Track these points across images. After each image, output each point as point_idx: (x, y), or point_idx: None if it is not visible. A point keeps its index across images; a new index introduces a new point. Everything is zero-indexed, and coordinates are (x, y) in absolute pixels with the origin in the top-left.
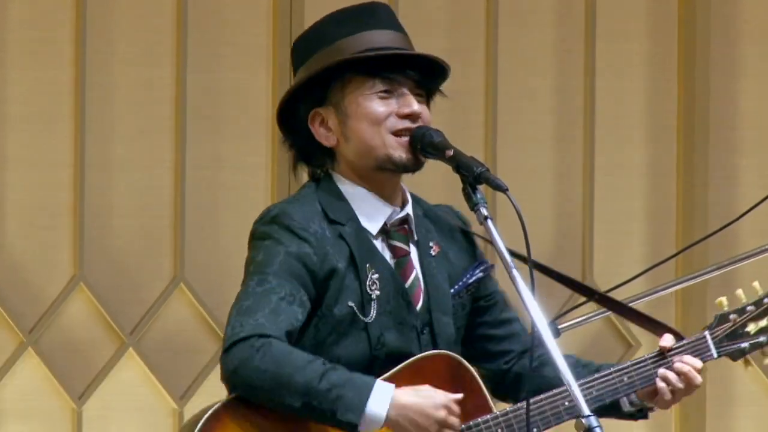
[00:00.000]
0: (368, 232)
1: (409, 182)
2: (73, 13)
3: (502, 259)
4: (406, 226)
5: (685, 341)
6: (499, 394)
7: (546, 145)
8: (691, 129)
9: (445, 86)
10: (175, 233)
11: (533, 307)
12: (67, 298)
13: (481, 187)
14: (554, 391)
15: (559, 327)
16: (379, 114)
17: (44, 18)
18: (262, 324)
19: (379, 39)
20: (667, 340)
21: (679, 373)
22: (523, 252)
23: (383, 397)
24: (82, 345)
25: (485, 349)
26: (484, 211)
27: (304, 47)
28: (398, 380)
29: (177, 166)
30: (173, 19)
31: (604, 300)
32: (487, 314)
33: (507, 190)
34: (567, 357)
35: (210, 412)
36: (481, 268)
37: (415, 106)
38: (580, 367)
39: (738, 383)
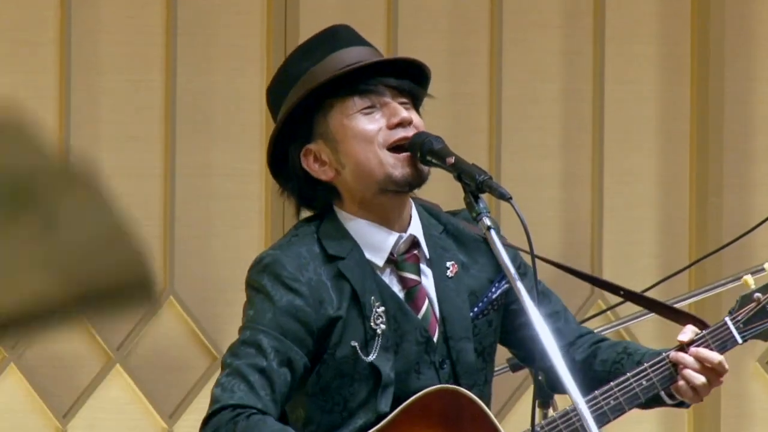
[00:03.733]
0: (374, 264)
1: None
2: (58, 13)
3: (506, 271)
4: (416, 252)
5: (704, 332)
6: (559, 391)
7: (553, 152)
8: (705, 135)
9: (447, 90)
10: (165, 244)
11: (538, 320)
12: None
13: (485, 196)
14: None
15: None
16: (368, 131)
17: (27, 19)
18: (252, 392)
19: (347, 57)
20: (687, 333)
21: (697, 370)
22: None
23: None
24: (67, 361)
25: (528, 350)
26: (487, 222)
27: (277, 89)
28: (397, 425)
29: (166, 174)
30: (162, 21)
31: (630, 296)
32: (523, 316)
33: (511, 198)
34: (615, 344)
35: None
36: (506, 279)
37: (403, 113)
38: (626, 357)
39: (755, 401)
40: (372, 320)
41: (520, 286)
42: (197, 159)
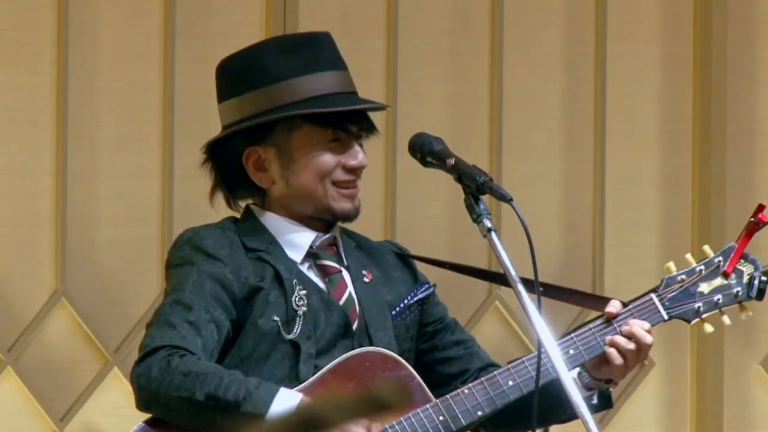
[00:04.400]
0: (292, 259)
1: (409, 194)
2: (55, 12)
3: (507, 273)
4: (334, 247)
5: (631, 306)
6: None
7: (554, 153)
8: (707, 136)
9: (447, 91)
10: (163, 246)
11: (539, 324)
12: (48, 315)
13: (485, 198)
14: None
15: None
16: (327, 165)
17: (24, 18)
18: (183, 338)
19: (328, 84)
20: (613, 306)
21: (627, 336)
22: (528, 270)
23: (287, 401)
24: (64, 364)
25: (440, 373)
26: (488, 223)
27: (240, 76)
28: (321, 387)
29: (165, 175)
30: (160, 20)
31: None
32: (436, 338)
33: (512, 200)
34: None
35: None
36: (422, 289)
37: (361, 157)
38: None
39: (758, 404)
40: (294, 301)
41: (520, 289)
42: (196, 160)
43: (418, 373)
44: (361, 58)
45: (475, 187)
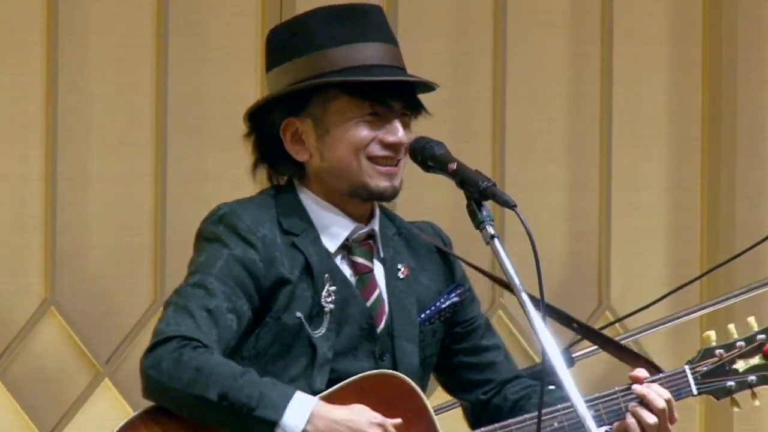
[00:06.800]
0: (326, 248)
1: (409, 199)
2: (44, 12)
3: (511, 281)
4: (371, 241)
5: (661, 374)
6: (478, 429)
7: (559, 158)
8: (717, 140)
9: (449, 93)
10: (156, 253)
11: (544, 334)
12: (37, 324)
13: (488, 204)
14: (525, 416)
15: (573, 355)
16: (363, 139)
17: (13, 19)
18: (198, 328)
19: (371, 54)
20: (642, 371)
21: (648, 406)
22: (532, 278)
23: (301, 408)
24: (54, 375)
25: (463, 378)
26: (491, 230)
27: (286, 43)
28: (335, 399)
29: (157, 180)
30: (153, 20)
31: (585, 331)
32: (465, 341)
33: (515, 206)
34: (553, 391)
35: (125, 421)
36: (457, 292)
37: (401, 134)
38: (563, 402)
39: (767, 420)
40: (323, 297)
41: (524, 298)
42: (189, 164)
43: (442, 376)
44: None
45: (478, 192)
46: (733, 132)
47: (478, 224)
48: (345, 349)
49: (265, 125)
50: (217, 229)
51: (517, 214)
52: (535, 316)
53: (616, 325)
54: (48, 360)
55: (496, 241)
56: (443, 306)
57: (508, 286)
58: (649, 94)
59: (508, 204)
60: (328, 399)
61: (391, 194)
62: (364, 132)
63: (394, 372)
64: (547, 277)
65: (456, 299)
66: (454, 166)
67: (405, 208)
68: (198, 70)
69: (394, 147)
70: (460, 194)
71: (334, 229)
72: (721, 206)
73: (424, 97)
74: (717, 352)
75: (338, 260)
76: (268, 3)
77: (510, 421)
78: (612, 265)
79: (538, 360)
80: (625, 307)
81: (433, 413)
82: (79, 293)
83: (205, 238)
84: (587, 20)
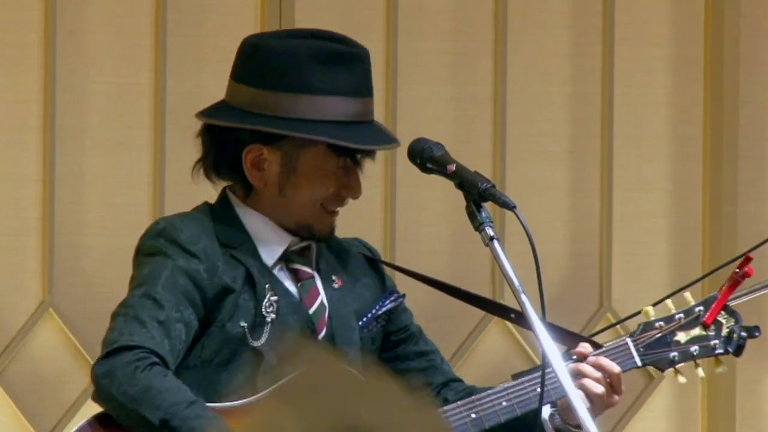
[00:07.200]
0: (264, 260)
1: (409, 201)
2: (42, 12)
3: (510, 283)
4: (307, 251)
5: (604, 347)
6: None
7: (559, 159)
8: (719, 141)
9: (448, 94)
10: None
11: (544, 335)
12: (34, 326)
13: (487, 205)
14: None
15: (574, 357)
16: (326, 192)
17: (9, 19)
18: (152, 339)
19: (358, 111)
20: (584, 347)
21: (594, 377)
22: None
23: None
24: (52, 377)
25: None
26: (490, 232)
27: (270, 68)
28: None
29: (156, 182)
30: (151, 20)
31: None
32: (399, 348)
33: (515, 207)
34: (491, 389)
35: (75, 428)
36: (391, 298)
37: (358, 192)
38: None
39: None
40: (264, 307)
41: (524, 299)
42: (188, 165)
43: None
44: None
45: (477, 194)
46: (735, 133)
47: (478, 226)
48: (287, 357)
49: (228, 140)
50: (158, 242)
51: (517, 216)
52: (535, 317)
53: (617, 326)
54: (46, 362)
55: (496, 243)
56: (380, 312)
57: (444, 286)
58: (650, 94)
59: (507, 205)
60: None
61: (330, 237)
62: (331, 188)
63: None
64: (547, 279)
65: (392, 305)
66: (453, 167)
67: (405, 209)
68: (196, 71)
69: (346, 199)
70: (459, 196)
71: (272, 243)
72: (723, 207)
73: (424, 96)
74: (657, 324)
75: (277, 271)
76: (267, 3)
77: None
78: (613, 266)
79: (538, 361)
80: (627, 309)
81: None
82: (77, 295)
83: (146, 253)
84: (588, 20)
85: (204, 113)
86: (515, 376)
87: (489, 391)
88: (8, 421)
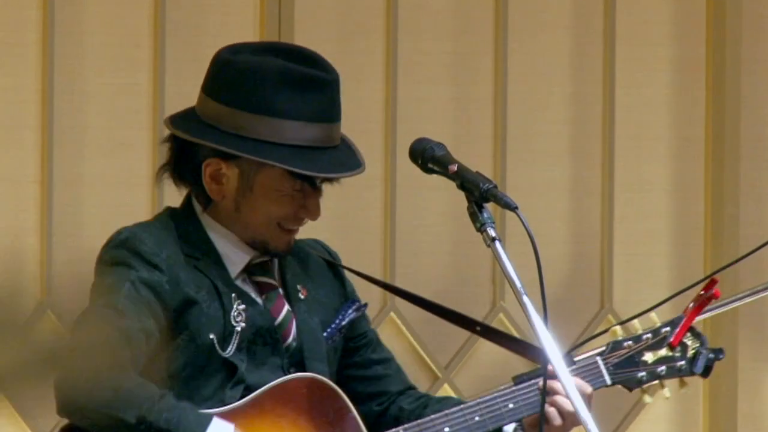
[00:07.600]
0: (228, 271)
1: (410, 201)
2: (40, 12)
3: (512, 284)
4: (269, 263)
5: (574, 366)
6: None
7: (560, 160)
8: (721, 142)
9: (449, 94)
10: None
11: (546, 337)
12: (32, 329)
13: (489, 206)
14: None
15: (575, 359)
16: (284, 215)
17: (7, 19)
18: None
19: (321, 136)
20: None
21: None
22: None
23: None
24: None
25: (356, 391)
26: (492, 232)
27: (238, 86)
28: (256, 408)
29: (154, 182)
30: (150, 21)
31: (487, 332)
32: (357, 355)
33: (517, 208)
34: (447, 398)
35: None
36: (354, 308)
37: (316, 215)
38: (459, 410)
39: None
40: (232, 317)
41: (526, 301)
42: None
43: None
44: (359, 59)
45: (479, 194)
46: (737, 134)
47: (480, 227)
48: (252, 366)
49: (190, 151)
50: (121, 253)
51: (519, 216)
52: (537, 319)
53: (617, 327)
54: None
55: (498, 244)
56: (343, 323)
57: (395, 290)
58: (652, 95)
59: (509, 206)
60: (250, 407)
61: (287, 253)
62: (287, 209)
63: (313, 375)
64: (548, 280)
65: (354, 315)
66: (454, 167)
67: (405, 210)
68: (195, 71)
69: (303, 221)
70: (460, 196)
71: (234, 256)
72: (724, 208)
73: (424, 96)
74: (626, 344)
75: (240, 282)
76: (267, 3)
77: (415, 422)
78: (614, 267)
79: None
80: (628, 311)
81: (355, 411)
82: (74, 297)
83: (108, 263)
84: (589, 20)
85: (172, 120)
86: (516, 379)
87: (462, 405)
88: (6, 423)
